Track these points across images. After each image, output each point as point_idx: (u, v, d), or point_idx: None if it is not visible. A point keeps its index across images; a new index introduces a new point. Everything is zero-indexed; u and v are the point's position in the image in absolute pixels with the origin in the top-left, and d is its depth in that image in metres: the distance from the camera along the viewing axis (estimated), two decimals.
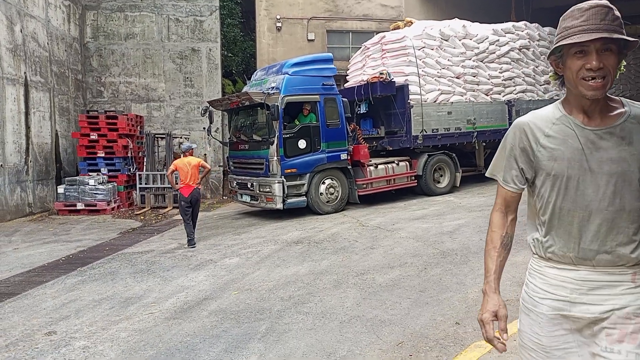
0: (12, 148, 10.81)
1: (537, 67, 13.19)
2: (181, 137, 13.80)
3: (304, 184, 9.63)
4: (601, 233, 1.55)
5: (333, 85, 10.21)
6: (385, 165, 10.79)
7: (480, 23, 12.55)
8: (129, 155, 12.70)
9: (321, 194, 9.84)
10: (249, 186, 10.02)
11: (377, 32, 13.71)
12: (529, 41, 12.99)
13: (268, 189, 9.49)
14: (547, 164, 1.61)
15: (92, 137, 12.29)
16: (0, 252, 7.77)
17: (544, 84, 13.33)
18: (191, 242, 7.57)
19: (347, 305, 4.51)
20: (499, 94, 12.42)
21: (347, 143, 10.19)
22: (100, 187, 11.61)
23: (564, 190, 1.59)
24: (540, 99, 13.11)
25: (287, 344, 3.76)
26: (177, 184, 7.78)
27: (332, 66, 10.37)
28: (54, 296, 5.37)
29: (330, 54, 11.04)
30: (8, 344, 4.08)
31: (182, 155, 8.08)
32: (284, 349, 3.68)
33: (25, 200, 11.30)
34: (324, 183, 9.88)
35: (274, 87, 9.49)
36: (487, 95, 12.20)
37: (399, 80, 10.86)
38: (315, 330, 4.00)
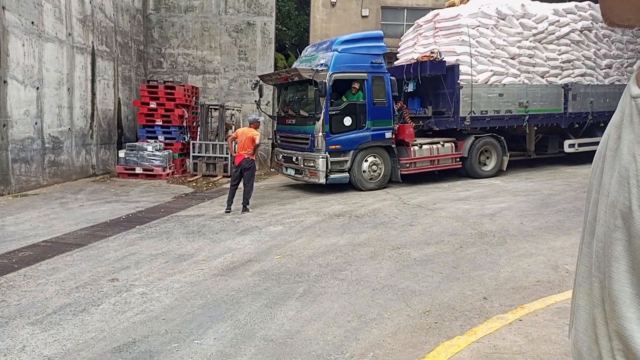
0: (79, 113, 11.65)
1: (598, 50, 12.60)
2: (233, 109, 14.29)
3: (347, 161, 9.85)
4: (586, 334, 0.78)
5: (382, 63, 10.22)
6: (430, 145, 10.81)
7: (541, 2, 12.09)
8: (184, 124, 13.33)
9: (364, 171, 10.03)
10: (294, 160, 10.34)
11: (433, 9, 13.50)
12: (591, 22, 12.38)
13: (312, 164, 9.77)
14: None
15: (151, 105, 12.98)
16: (68, 207, 8.55)
17: (605, 68, 12.75)
18: (227, 209, 8.17)
19: (381, 275, 4.77)
20: (556, 77, 12.00)
21: (392, 122, 10.26)
22: (157, 153, 12.34)
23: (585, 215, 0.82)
24: (600, 83, 12.58)
25: (322, 305, 4.07)
26: (235, 151, 8.37)
27: (382, 44, 10.36)
28: (116, 249, 5.95)
29: (381, 32, 11.02)
30: (78, 286, 4.64)
31: (248, 126, 8.60)
32: (319, 308, 4.01)
33: (89, 162, 12.21)
34: (367, 160, 10.05)
35: (322, 64, 9.65)
36: (542, 77, 11.83)
37: (450, 59, 10.74)
38: (349, 294, 4.29)
